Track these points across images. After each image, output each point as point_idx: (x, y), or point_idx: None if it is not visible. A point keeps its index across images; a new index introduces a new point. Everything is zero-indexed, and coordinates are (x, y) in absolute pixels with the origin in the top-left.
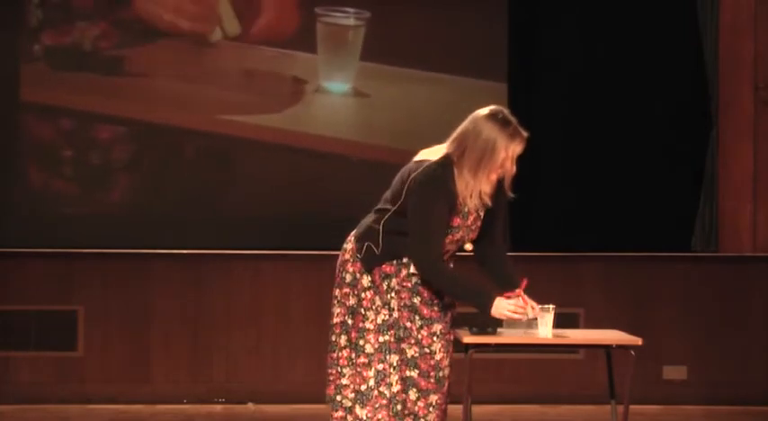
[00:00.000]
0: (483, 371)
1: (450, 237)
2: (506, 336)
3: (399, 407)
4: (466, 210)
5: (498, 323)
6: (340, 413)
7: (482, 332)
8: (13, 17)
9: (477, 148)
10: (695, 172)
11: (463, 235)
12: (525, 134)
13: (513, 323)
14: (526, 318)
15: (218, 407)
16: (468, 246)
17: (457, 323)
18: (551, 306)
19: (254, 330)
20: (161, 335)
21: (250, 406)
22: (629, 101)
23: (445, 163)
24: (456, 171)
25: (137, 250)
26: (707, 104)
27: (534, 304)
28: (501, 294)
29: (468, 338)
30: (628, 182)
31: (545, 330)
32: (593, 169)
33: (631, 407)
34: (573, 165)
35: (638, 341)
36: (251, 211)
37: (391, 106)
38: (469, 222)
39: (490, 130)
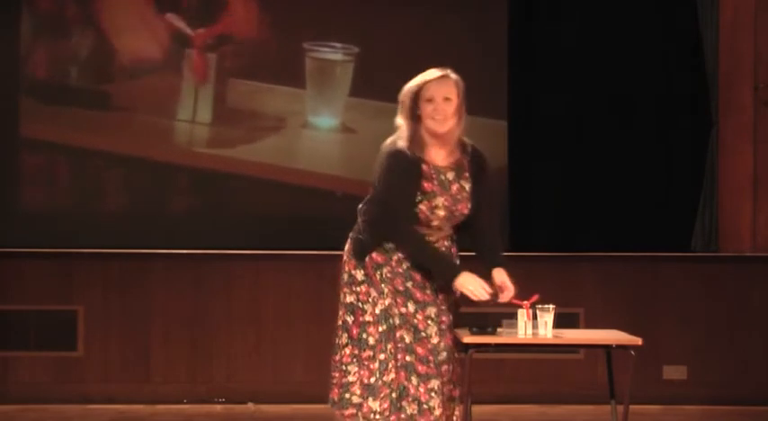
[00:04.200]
0: (483, 371)
1: (427, 203)
2: (506, 336)
3: (394, 395)
4: (443, 177)
5: (498, 323)
6: (351, 410)
7: (482, 332)
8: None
9: (405, 98)
10: (695, 172)
11: (448, 205)
12: (438, 72)
13: (512, 323)
14: (484, 299)
15: (218, 407)
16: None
17: (457, 323)
18: (551, 306)
19: (254, 330)
20: (161, 335)
21: (250, 406)
22: (630, 100)
23: (397, 134)
24: (406, 134)
25: (137, 250)
26: (707, 104)
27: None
28: (489, 270)
29: (468, 338)
30: (628, 182)
31: (545, 330)
32: (593, 169)
33: (631, 407)
34: (573, 165)
35: (638, 341)
36: (251, 211)
37: (378, 142)
38: (454, 192)
39: (412, 82)
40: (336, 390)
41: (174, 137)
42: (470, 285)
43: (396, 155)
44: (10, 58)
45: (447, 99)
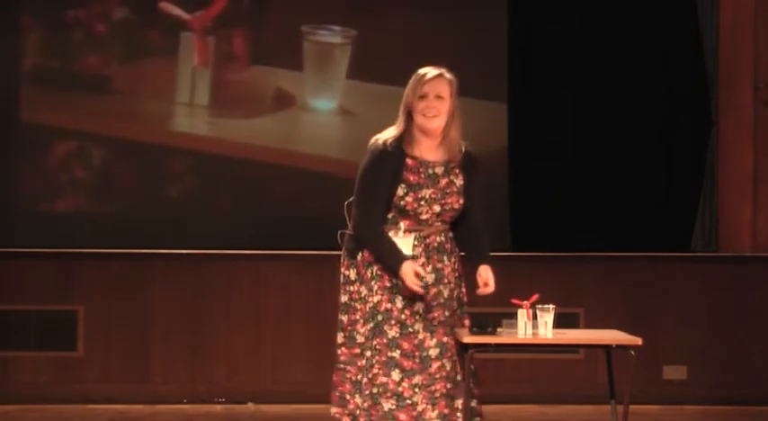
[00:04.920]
0: (483, 371)
1: (413, 194)
2: (506, 336)
3: (375, 391)
4: (431, 171)
5: (498, 323)
6: (340, 409)
7: (482, 332)
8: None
9: (405, 94)
10: (695, 172)
11: (435, 196)
12: (435, 71)
13: (512, 323)
14: (415, 291)
15: (218, 407)
16: None
17: (464, 321)
18: (551, 306)
19: (254, 330)
20: (161, 335)
21: (250, 406)
22: (630, 100)
23: (385, 132)
24: (396, 131)
25: (137, 250)
26: (707, 104)
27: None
28: (476, 267)
29: (468, 338)
30: (628, 182)
31: (545, 330)
32: (594, 169)
33: (631, 407)
34: (573, 164)
35: (638, 341)
36: (251, 211)
37: (377, 124)
38: (442, 185)
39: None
40: (335, 390)
41: (171, 120)
42: (406, 277)
43: (373, 152)
44: (11, 46)
45: (439, 97)
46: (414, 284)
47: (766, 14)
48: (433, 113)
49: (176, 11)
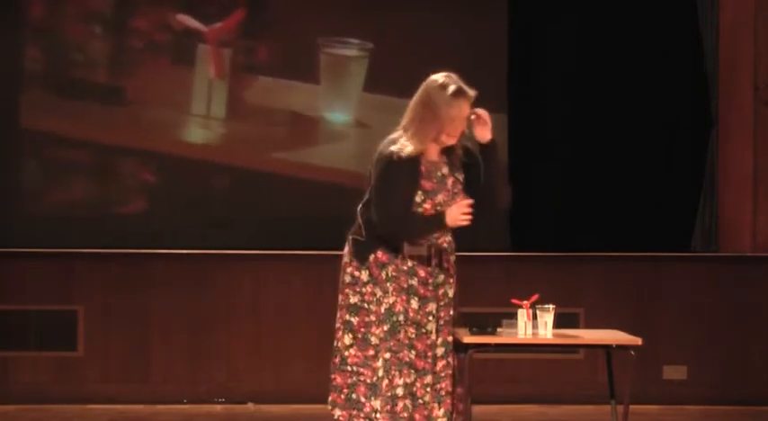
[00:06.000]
0: (483, 371)
1: (430, 201)
2: (506, 336)
3: (394, 391)
4: (439, 173)
5: (498, 323)
6: (356, 411)
7: (482, 332)
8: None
9: (432, 99)
10: (695, 172)
11: (446, 199)
12: (470, 93)
13: (512, 323)
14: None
15: (218, 407)
16: None
17: (457, 323)
18: (551, 306)
19: (254, 330)
20: (161, 335)
21: (250, 406)
22: (630, 101)
23: (398, 136)
24: (411, 138)
25: (137, 250)
26: (707, 104)
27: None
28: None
29: (468, 338)
30: (628, 182)
31: (545, 330)
32: (594, 169)
33: (631, 407)
34: (573, 165)
35: (638, 341)
36: (252, 212)
37: None
38: (449, 186)
39: (434, 95)
40: (339, 392)
41: (187, 132)
42: (457, 214)
43: (391, 162)
44: (15, 51)
45: (465, 119)
46: (466, 216)
47: (766, 14)
48: (459, 134)
49: (194, 23)
